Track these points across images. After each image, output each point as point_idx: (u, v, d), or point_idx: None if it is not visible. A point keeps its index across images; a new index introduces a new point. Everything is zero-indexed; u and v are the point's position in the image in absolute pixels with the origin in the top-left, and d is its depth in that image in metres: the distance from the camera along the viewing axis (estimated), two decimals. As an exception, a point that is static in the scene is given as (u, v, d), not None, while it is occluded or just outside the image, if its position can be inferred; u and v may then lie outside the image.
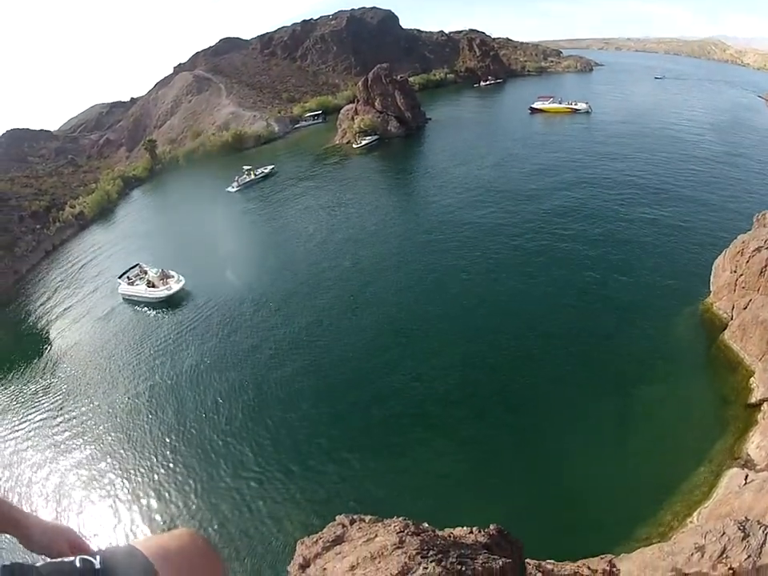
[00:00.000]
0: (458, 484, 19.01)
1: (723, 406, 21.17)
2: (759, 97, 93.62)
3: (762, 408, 20.37)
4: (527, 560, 13.53)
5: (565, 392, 22.63)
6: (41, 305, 47.27)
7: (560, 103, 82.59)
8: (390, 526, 10.24)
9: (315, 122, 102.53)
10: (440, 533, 11.05)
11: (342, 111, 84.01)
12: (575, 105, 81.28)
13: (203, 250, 46.50)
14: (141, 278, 41.77)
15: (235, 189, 66.51)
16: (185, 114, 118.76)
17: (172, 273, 41.15)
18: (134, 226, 65.40)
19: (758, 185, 45.02)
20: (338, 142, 78.00)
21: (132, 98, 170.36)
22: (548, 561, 13.85)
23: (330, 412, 23.62)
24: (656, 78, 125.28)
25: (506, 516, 16.47)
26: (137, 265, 44.47)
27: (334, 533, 10.95)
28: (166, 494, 21.14)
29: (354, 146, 73.67)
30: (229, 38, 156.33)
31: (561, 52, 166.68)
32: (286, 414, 23.94)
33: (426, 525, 11.53)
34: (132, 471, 22.84)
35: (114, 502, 21.50)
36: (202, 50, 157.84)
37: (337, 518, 12.02)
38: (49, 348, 37.97)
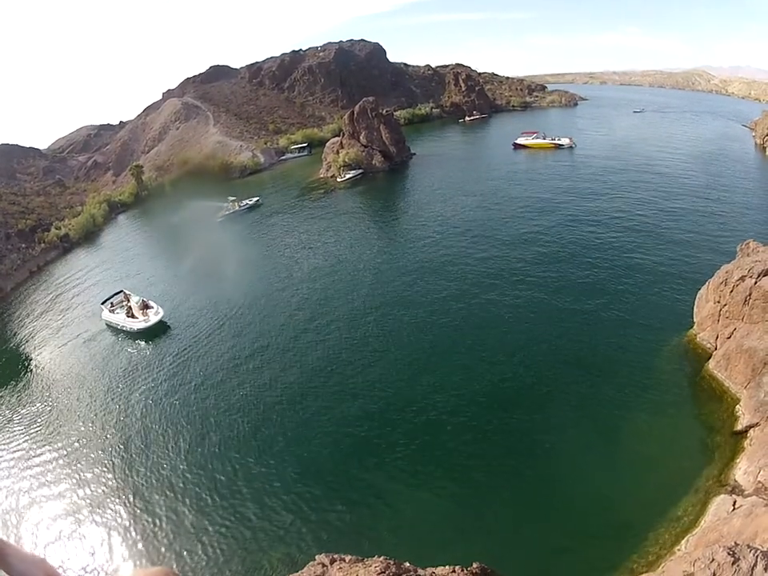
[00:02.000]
0: (441, 519, 18.93)
1: (710, 435, 21.37)
2: (743, 126, 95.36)
3: (749, 434, 20.54)
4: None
5: (552, 423, 22.77)
6: (23, 325, 47.07)
7: (543, 139, 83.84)
8: (370, 566, 10.13)
9: (301, 154, 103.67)
10: (422, 572, 11.01)
11: (327, 144, 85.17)
12: (558, 140, 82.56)
13: (185, 279, 47.25)
14: (122, 306, 41.73)
15: (219, 220, 66.87)
16: (172, 141, 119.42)
17: (152, 304, 41.05)
18: (118, 251, 65.32)
19: (741, 215, 46.18)
20: (322, 175, 78.90)
21: (121, 122, 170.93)
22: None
23: (304, 450, 23.42)
24: (635, 111, 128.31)
25: (490, 550, 16.81)
26: (120, 291, 44.54)
27: (314, 572, 10.80)
28: (138, 529, 20.88)
29: (339, 179, 74.57)
30: (218, 65, 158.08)
31: (545, 87, 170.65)
32: (261, 448, 23.83)
33: (408, 564, 11.49)
34: (101, 506, 22.51)
35: (87, 535, 21.13)
36: (191, 77, 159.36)
37: (317, 557, 11.85)
38: (26, 370, 37.67)
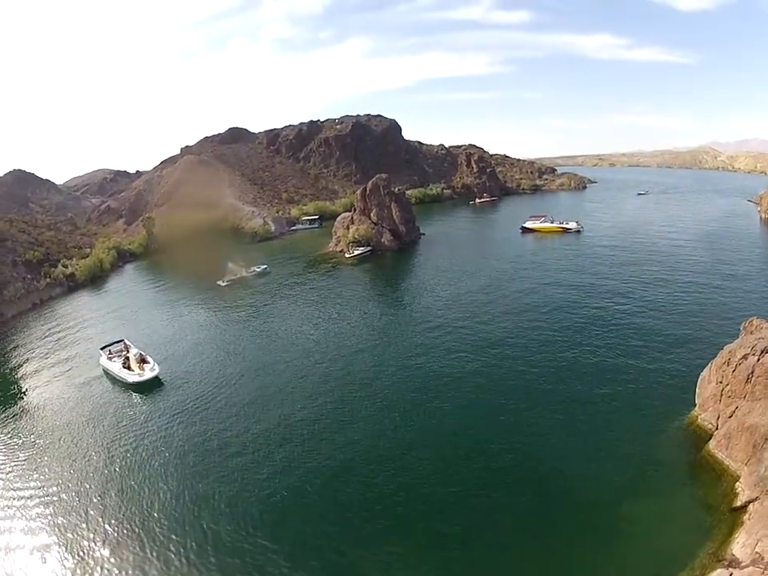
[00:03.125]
0: None
1: (708, 512, 21.00)
2: (749, 201, 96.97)
3: (748, 509, 20.07)
4: None
5: (551, 505, 22.25)
6: (19, 355, 47.05)
7: (551, 222, 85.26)
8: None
9: (311, 226, 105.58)
10: None
11: (338, 219, 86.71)
12: (566, 224, 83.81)
13: (185, 338, 47.29)
14: (120, 355, 41.42)
15: (225, 283, 67.05)
16: (185, 198, 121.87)
17: (149, 359, 40.49)
18: (123, 300, 65.59)
19: (745, 292, 46.50)
20: (331, 249, 79.82)
21: (138, 171, 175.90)
22: None
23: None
24: (639, 194, 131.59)
25: None
26: (122, 340, 44.15)
27: None
28: None
29: (347, 255, 75.18)
30: (237, 128, 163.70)
31: (555, 170, 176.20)
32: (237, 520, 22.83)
33: None
34: (67, 549, 22.17)
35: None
36: (210, 136, 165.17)
37: None
38: (16, 402, 37.40)
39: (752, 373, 24.36)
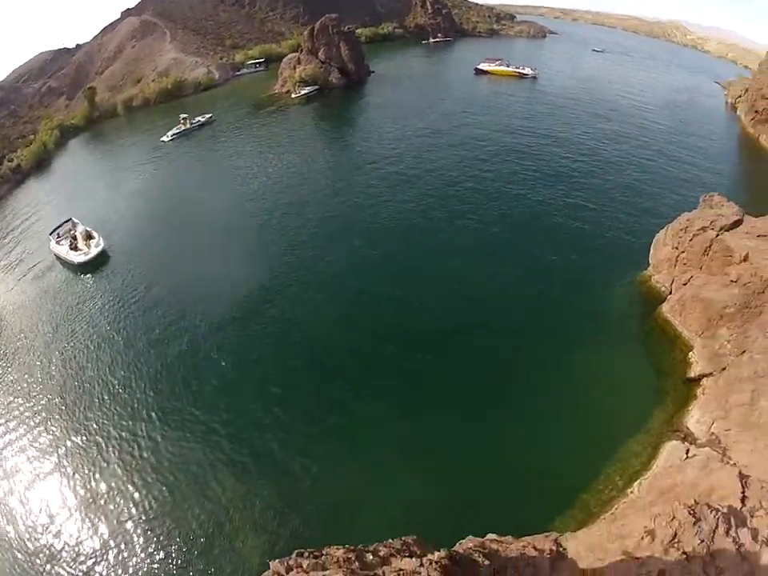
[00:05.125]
0: (395, 471, 18.49)
1: (661, 378, 21.43)
2: (716, 83, 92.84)
3: (702, 383, 20.56)
4: (470, 537, 13.93)
5: (502, 363, 22.72)
6: None
7: (507, 66, 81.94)
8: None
9: (257, 69, 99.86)
10: (387, 568, 10.00)
11: (284, 60, 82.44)
12: (522, 69, 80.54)
13: (131, 204, 45.96)
14: (67, 237, 40.46)
15: (169, 138, 64.93)
16: (127, 60, 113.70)
17: (94, 234, 39.89)
18: (68, 178, 63.35)
19: (706, 167, 45.37)
20: (277, 91, 76.72)
21: (77, 45, 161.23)
22: (491, 537, 14.14)
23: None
24: (594, 50, 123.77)
25: (446, 494, 17.18)
26: (69, 220, 43.16)
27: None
28: (70, 466, 21.37)
29: (293, 95, 72.60)
30: None
31: (515, 16, 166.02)
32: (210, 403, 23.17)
33: (370, 557, 10.52)
34: (35, 438, 23.18)
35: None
36: None
37: (271, 565, 10.23)
38: None
39: (709, 247, 24.24)
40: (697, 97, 77.54)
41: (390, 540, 11.93)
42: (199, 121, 68.20)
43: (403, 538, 12.14)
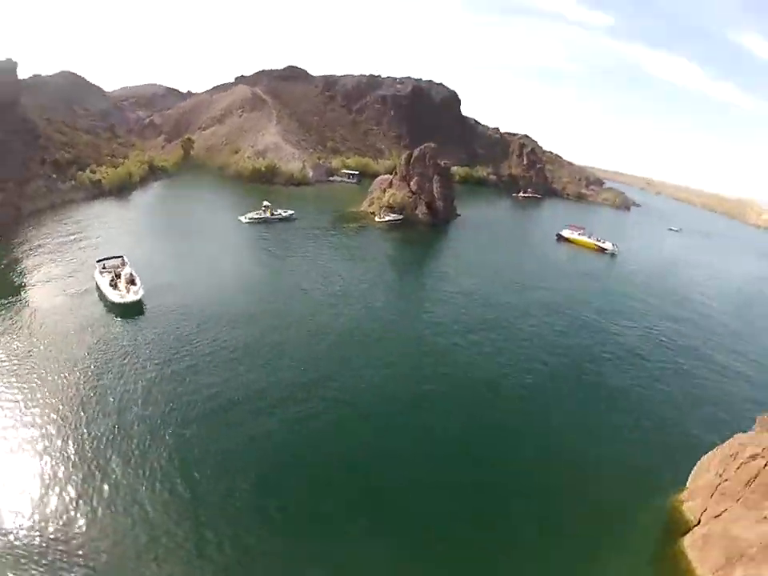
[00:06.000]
0: None
1: None
2: None
3: None
4: None
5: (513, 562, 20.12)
6: (26, 252, 45.86)
7: (589, 237, 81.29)
8: None
9: (350, 180, 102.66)
10: None
11: (377, 179, 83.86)
12: (603, 243, 79.62)
13: (189, 267, 45.70)
14: (111, 272, 40.27)
15: (247, 220, 65.27)
16: (230, 126, 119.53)
17: (137, 281, 39.04)
18: (141, 216, 64.69)
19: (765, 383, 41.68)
20: (363, 208, 77.18)
21: (189, 92, 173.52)
22: None
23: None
24: (670, 229, 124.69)
25: None
26: (121, 256, 43.12)
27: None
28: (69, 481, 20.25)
29: (377, 218, 72.73)
30: (296, 67, 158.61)
31: (603, 182, 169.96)
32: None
33: None
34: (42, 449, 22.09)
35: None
36: (267, 70, 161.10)
37: None
38: (8, 300, 35.86)
39: (755, 477, 21.97)
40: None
41: None
42: (281, 214, 68.68)
43: None
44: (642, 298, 58.33)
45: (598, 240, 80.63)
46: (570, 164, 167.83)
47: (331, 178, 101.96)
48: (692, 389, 37.72)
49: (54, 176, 67.16)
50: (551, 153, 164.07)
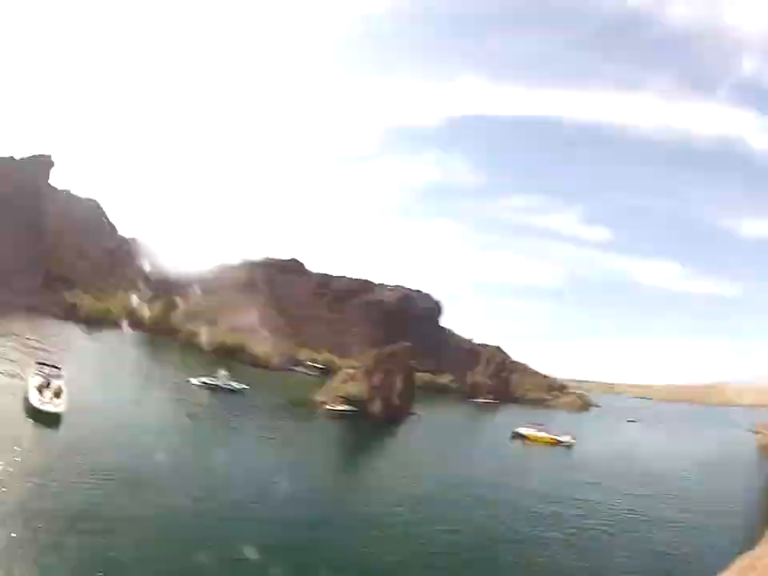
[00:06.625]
0: None
1: None
2: (749, 431, 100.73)
3: None
4: None
5: None
6: None
7: (545, 434, 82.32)
8: None
9: (312, 373, 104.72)
10: None
11: (340, 372, 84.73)
12: (559, 437, 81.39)
13: (116, 413, 43.95)
14: (44, 378, 39.74)
15: (197, 383, 65.54)
16: (215, 298, 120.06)
17: (63, 397, 38.11)
18: (98, 354, 71.20)
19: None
20: (317, 398, 75.85)
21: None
22: None
23: None
24: (629, 420, 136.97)
25: None
26: (60, 369, 43.41)
27: None
28: None
29: (327, 406, 71.31)
30: (297, 261, 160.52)
31: (566, 387, 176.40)
32: None
33: None
34: None
35: None
36: (273, 259, 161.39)
37: None
38: None
39: None
40: (727, 448, 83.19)
41: None
42: (232, 385, 68.04)
43: None
44: (593, 480, 57.38)
45: (555, 435, 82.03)
46: (536, 373, 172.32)
47: (292, 367, 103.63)
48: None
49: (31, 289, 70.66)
50: (519, 363, 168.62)
